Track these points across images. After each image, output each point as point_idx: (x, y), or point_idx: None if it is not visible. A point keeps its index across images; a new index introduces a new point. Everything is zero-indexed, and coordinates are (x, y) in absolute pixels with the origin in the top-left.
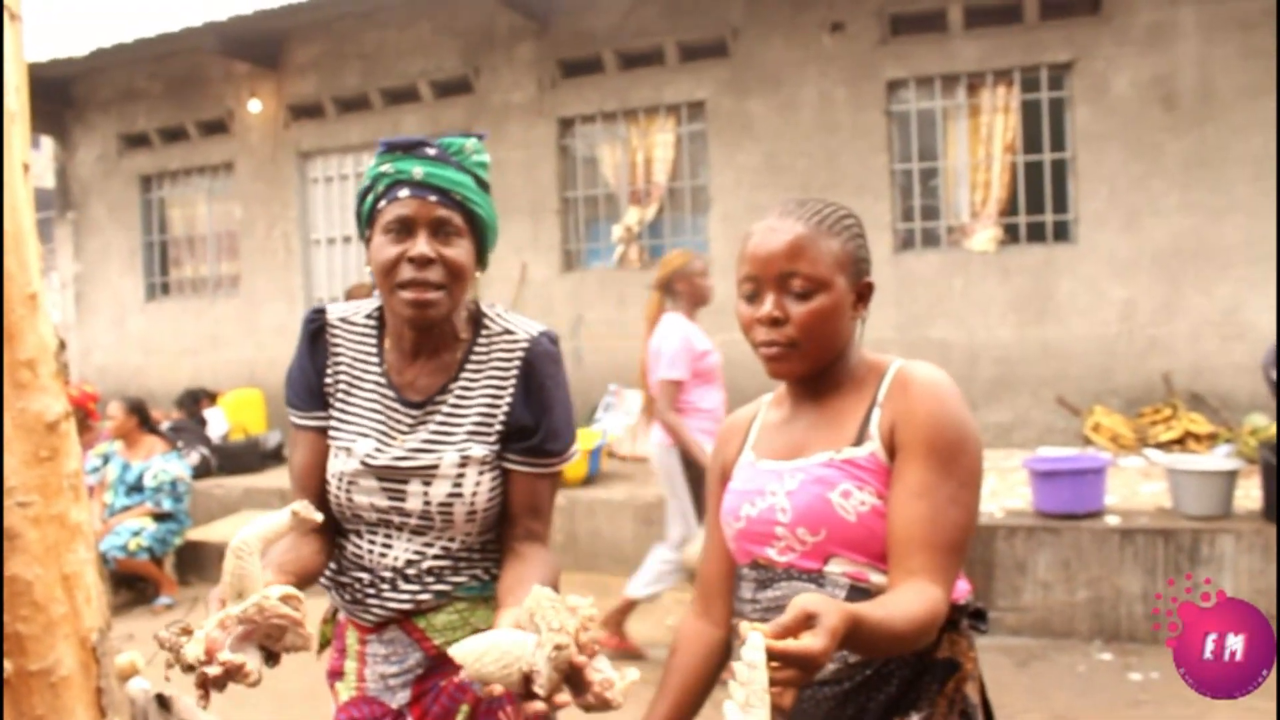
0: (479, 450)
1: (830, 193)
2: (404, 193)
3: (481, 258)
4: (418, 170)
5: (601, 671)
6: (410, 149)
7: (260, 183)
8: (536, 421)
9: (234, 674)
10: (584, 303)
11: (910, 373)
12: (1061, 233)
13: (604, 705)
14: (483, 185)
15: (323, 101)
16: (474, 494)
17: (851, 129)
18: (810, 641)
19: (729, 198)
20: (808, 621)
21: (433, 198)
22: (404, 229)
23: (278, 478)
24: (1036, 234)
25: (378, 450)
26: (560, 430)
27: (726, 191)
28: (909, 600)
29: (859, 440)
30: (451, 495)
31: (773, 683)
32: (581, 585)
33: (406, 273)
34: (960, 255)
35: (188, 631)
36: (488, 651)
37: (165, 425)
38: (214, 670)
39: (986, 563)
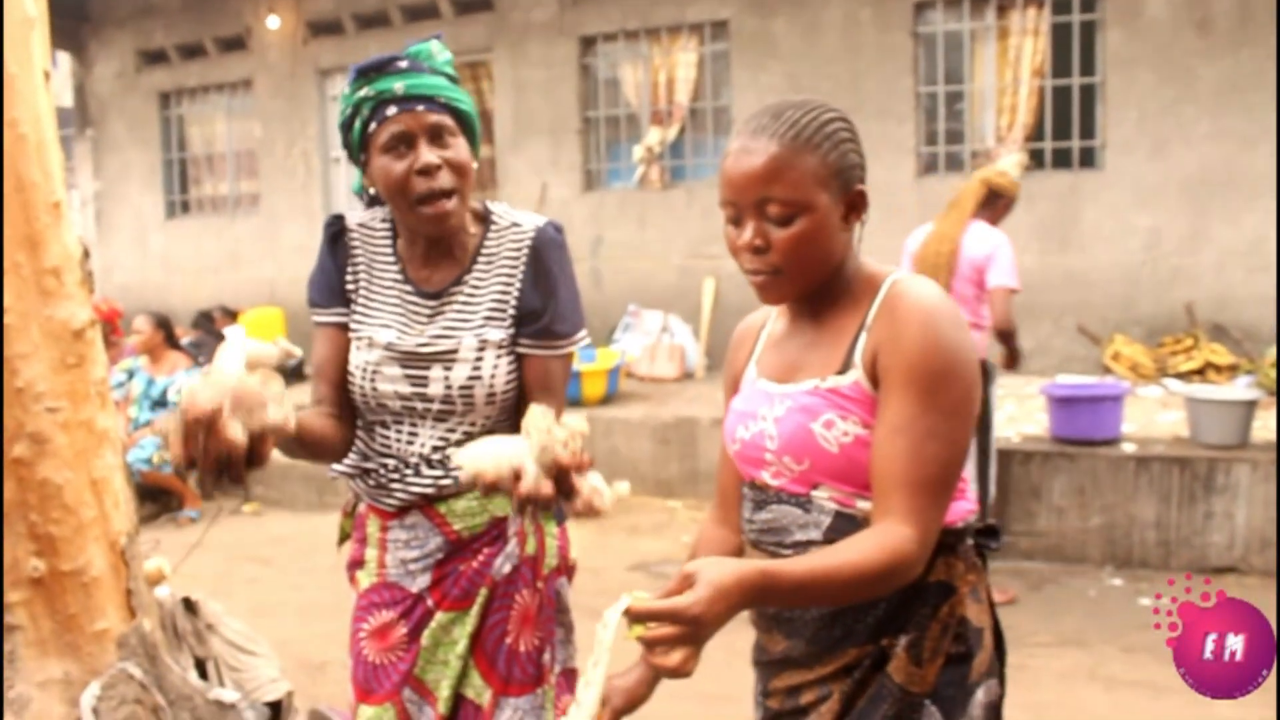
0: (495, 334)
1: (853, 116)
2: (392, 110)
3: (473, 149)
4: (398, 85)
5: (591, 481)
6: (382, 68)
7: (279, 100)
8: (544, 304)
9: (212, 428)
10: (604, 223)
11: (900, 293)
12: (1088, 159)
13: (592, 512)
14: (455, 82)
15: (342, 18)
16: (493, 376)
17: (877, 50)
18: (682, 598)
19: None
20: (687, 581)
21: (421, 107)
22: (404, 143)
23: (299, 395)
24: (1062, 160)
25: (399, 338)
26: (567, 313)
27: (749, 113)
28: (862, 548)
29: (843, 368)
30: (471, 378)
31: (655, 642)
32: None
33: (420, 185)
34: None
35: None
36: (484, 452)
37: (186, 342)
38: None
39: (1002, 487)
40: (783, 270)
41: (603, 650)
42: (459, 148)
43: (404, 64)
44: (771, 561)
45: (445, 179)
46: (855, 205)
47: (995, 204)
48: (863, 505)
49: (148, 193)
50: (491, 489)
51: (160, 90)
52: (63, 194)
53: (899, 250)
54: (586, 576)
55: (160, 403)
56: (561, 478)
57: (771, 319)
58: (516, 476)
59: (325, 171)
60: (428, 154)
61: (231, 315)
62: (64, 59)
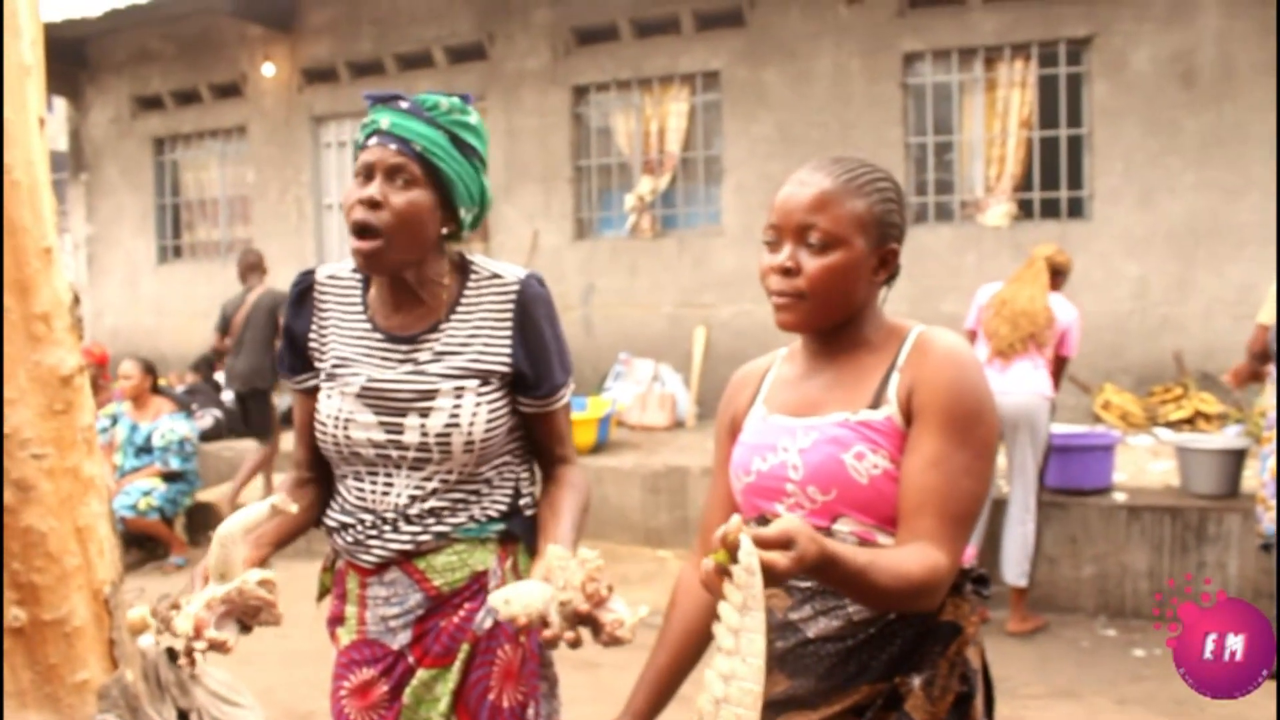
0: (473, 383)
1: None
2: (372, 141)
3: (453, 215)
4: (385, 120)
5: (613, 612)
6: (385, 101)
7: (273, 147)
8: (541, 364)
9: (216, 648)
10: (596, 271)
11: (931, 339)
12: (1076, 209)
13: (615, 642)
14: (459, 144)
15: (336, 66)
16: (471, 424)
17: (866, 101)
18: (778, 558)
19: (742, 168)
20: (785, 544)
21: (392, 145)
22: (366, 175)
23: (286, 440)
24: (1051, 210)
25: (370, 381)
26: (563, 364)
27: (740, 162)
28: (906, 559)
29: (875, 403)
30: (449, 426)
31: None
32: None
33: (355, 214)
34: (973, 230)
35: (176, 606)
36: (514, 599)
37: (181, 388)
38: (200, 645)
39: (994, 536)
40: (806, 296)
41: (755, 595)
42: (412, 197)
43: (404, 104)
44: (841, 548)
45: (380, 218)
46: (886, 261)
47: (1056, 280)
48: (882, 539)
49: (140, 237)
50: (524, 631)
51: (155, 135)
52: (54, 239)
53: (893, 297)
54: None
55: (145, 449)
56: (585, 618)
57: (777, 363)
58: (544, 622)
59: (318, 217)
60: (373, 188)
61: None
62: (60, 104)
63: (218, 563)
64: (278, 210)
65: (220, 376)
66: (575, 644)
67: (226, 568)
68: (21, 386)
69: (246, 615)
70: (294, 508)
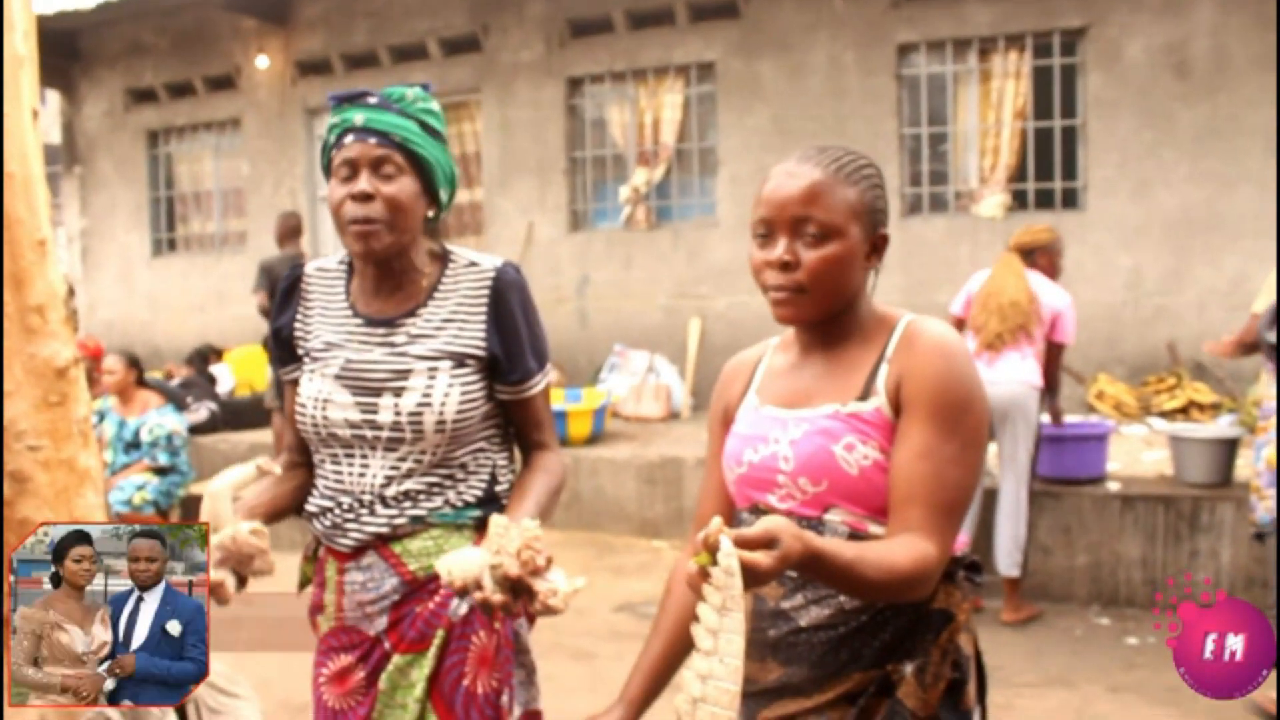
0: (446, 364)
1: None
2: (349, 139)
3: (434, 199)
4: (359, 117)
5: (549, 582)
6: (354, 99)
7: (267, 139)
8: (514, 349)
9: (214, 591)
10: (590, 263)
11: (919, 329)
12: (1070, 200)
13: (548, 611)
14: (429, 130)
15: (330, 58)
16: (443, 404)
17: (861, 93)
18: (760, 557)
19: (737, 160)
20: (768, 544)
21: (372, 140)
22: (350, 171)
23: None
24: (1045, 201)
25: (348, 362)
26: (536, 351)
27: (734, 154)
28: (893, 551)
29: (865, 395)
30: (421, 405)
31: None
32: (584, 544)
33: (350, 210)
34: (968, 221)
35: None
36: (455, 564)
37: (176, 381)
38: None
39: (986, 526)
40: (806, 289)
41: (734, 596)
42: (401, 185)
43: (374, 100)
44: (826, 544)
45: (375, 210)
46: (877, 247)
47: (1035, 259)
48: (874, 529)
49: (134, 230)
50: (461, 594)
51: (148, 128)
52: (48, 231)
53: (887, 288)
54: (572, 618)
55: (134, 444)
56: (516, 585)
57: (769, 353)
58: (478, 585)
59: (312, 210)
60: (363, 182)
61: (218, 353)
62: (53, 96)
63: (210, 517)
64: (272, 203)
65: (215, 369)
66: (508, 609)
67: (218, 521)
68: (17, 379)
69: (241, 565)
70: (278, 469)
